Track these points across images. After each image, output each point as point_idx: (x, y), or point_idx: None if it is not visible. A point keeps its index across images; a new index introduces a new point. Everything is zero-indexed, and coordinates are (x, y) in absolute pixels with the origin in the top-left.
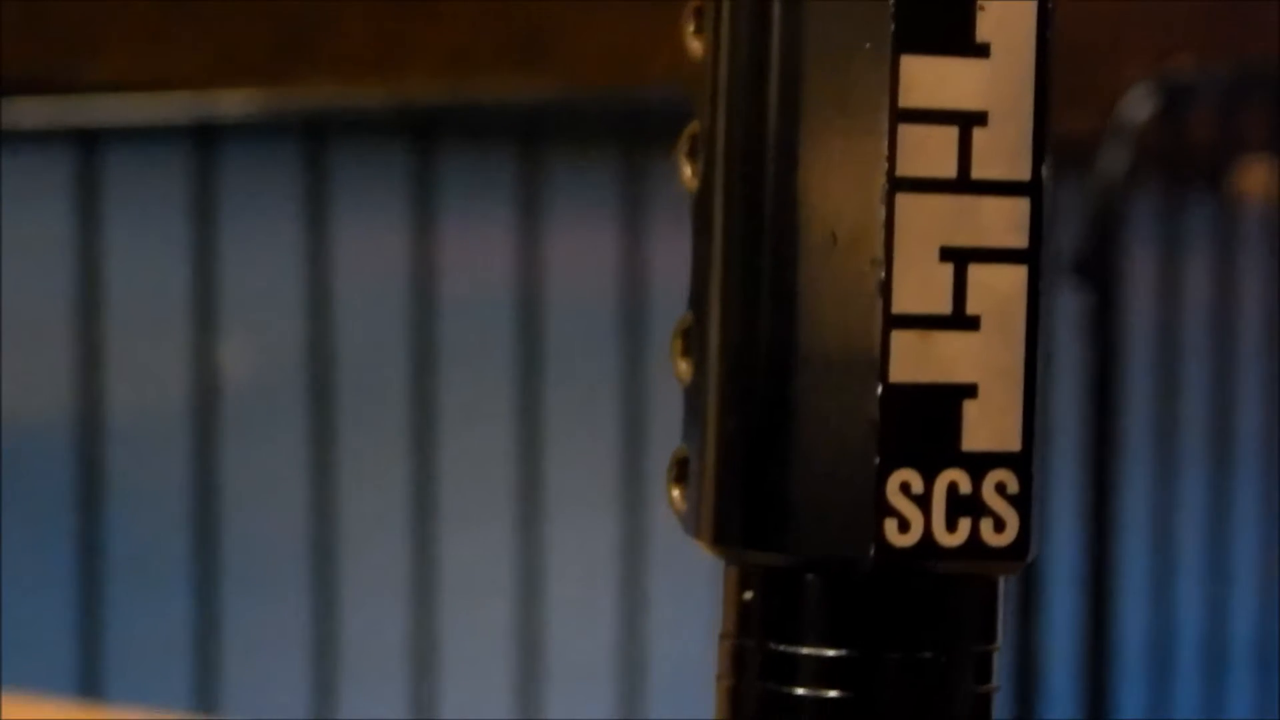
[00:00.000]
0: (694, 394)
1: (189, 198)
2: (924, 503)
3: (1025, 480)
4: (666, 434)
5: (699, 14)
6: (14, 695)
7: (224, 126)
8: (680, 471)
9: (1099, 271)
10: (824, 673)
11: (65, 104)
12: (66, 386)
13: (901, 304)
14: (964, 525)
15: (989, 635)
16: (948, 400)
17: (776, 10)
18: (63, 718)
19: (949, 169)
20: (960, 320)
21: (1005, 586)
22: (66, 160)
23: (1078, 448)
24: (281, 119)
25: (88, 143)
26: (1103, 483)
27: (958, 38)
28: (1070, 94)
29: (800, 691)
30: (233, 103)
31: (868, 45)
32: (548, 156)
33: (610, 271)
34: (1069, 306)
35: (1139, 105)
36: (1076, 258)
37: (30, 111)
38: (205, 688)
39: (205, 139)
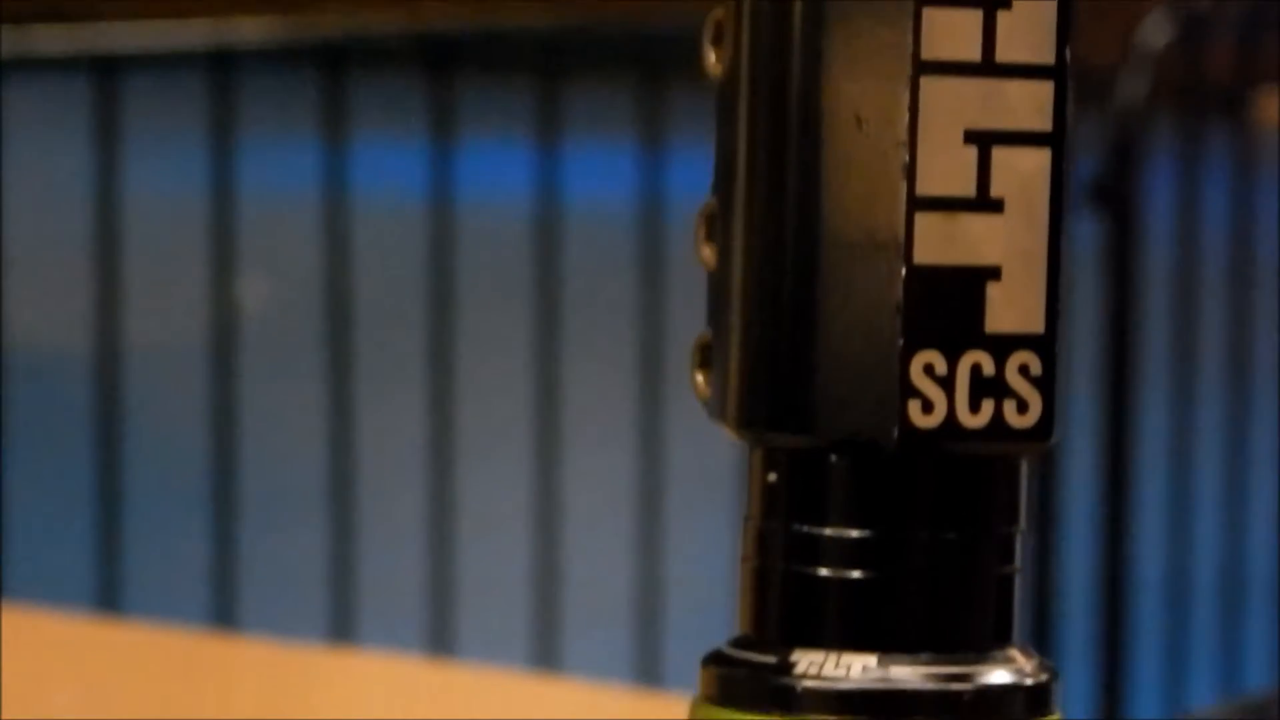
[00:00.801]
0: (718, 279)
1: (207, 126)
2: (947, 384)
3: (1048, 362)
4: (684, 364)
5: None
6: (31, 609)
7: (242, 54)
8: (704, 357)
9: (1117, 199)
10: (848, 553)
11: (82, 31)
12: (84, 317)
13: (926, 186)
14: (987, 407)
15: (1012, 517)
16: (971, 282)
17: None
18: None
19: (973, 52)
20: (984, 203)
21: (1028, 469)
22: (83, 88)
23: (1095, 377)
24: (300, 46)
25: (105, 70)
26: (1120, 413)
27: None
28: (1087, 20)
29: (824, 572)
30: (251, 30)
31: None
32: (566, 83)
33: (629, 201)
34: (1086, 234)
35: (1156, 32)
36: (1094, 185)
37: (47, 38)
38: (223, 610)
39: (223, 66)
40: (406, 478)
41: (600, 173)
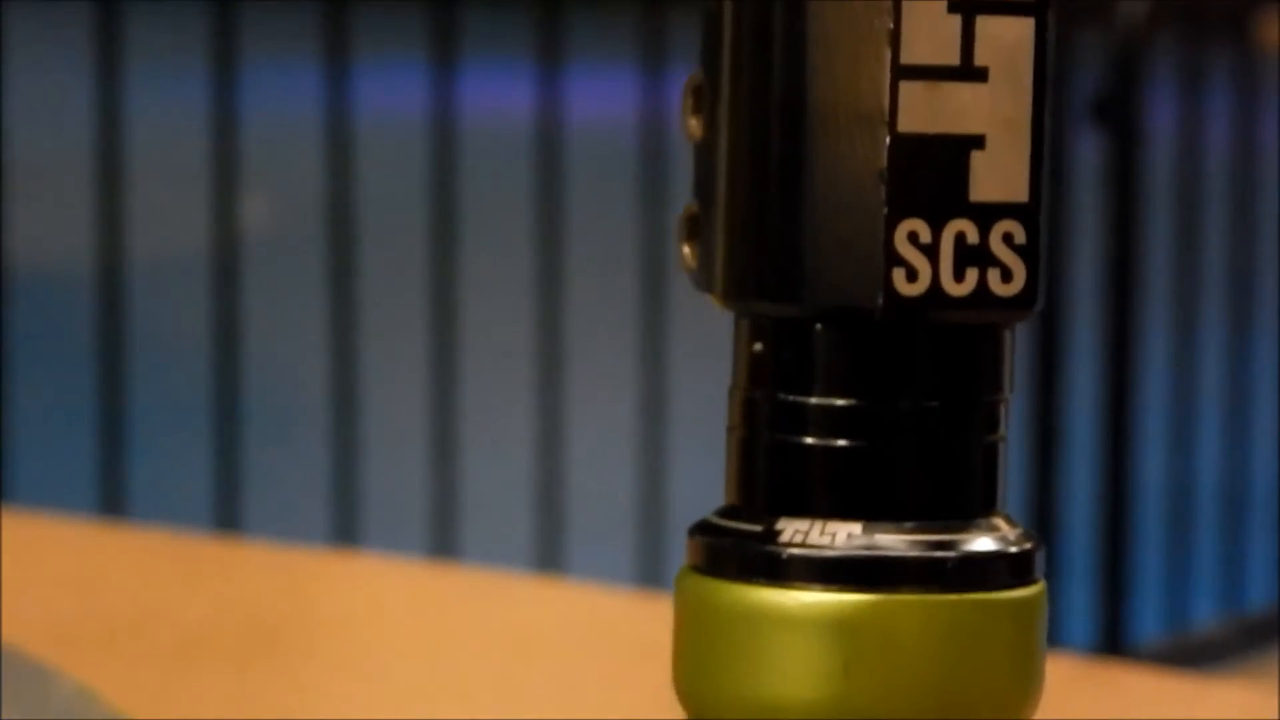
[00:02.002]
0: (704, 150)
1: (210, 45)
2: (932, 252)
3: (1032, 231)
4: (686, 288)
5: None
6: (34, 514)
7: None
8: (691, 228)
9: (1119, 116)
10: (833, 422)
11: None
12: (88, 234)
13: (910, 55)
14: (971, 275)
15: (997, 385)
16: (955, 151)
17: None
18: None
19: None
20: (968, 71)
21: (1013, 339)
22: (86, 7)
23: (1097, 293)
24: None
25: None
26: (1122, 329)
27: None
28: None
29: (810, 441)
30: None
31: None
32: (568, 3)
33: (630, 122)
34: (1089, 150)
35: None
36: (1097, 101)
37: None
38: (226, 518)
39: None
40: (410, 393)
41: (602, 93)
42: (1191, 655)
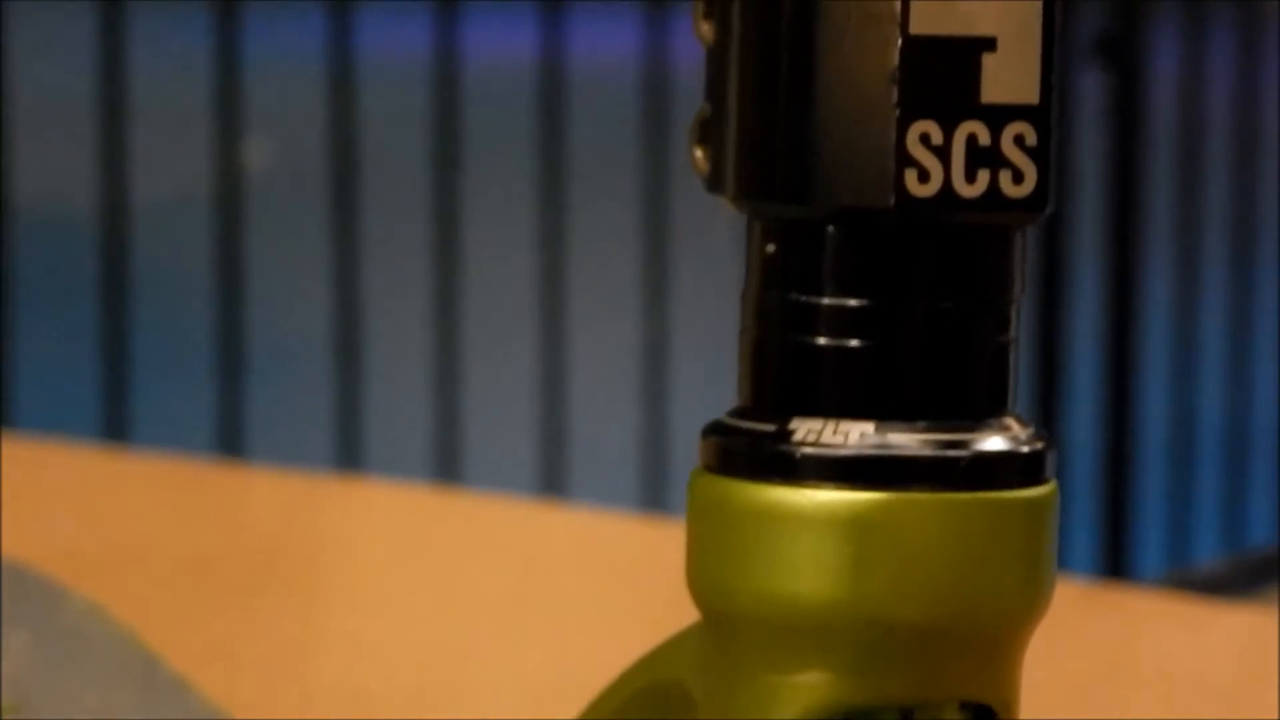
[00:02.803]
0: (716, 54)
1: None
2: (943, 154)
3: (1044, 133)
4: (689, 227)
5: None
6: (40, 441)
7: None
8: (703, 132)
9: (1122, 55)
10: (845, 322)
11: None
12: (91, 174)
13: None
14: (983, 176)
15: (1007, 287)
16: (967, 53)
17: None
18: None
19: None
20: None
21: (1023, 241)
22: None
23: (1100, 231)
24: None
25: None
26: (1125, 267)
27: None
28: None
29: (822, 341)
30: None
31: None
32: None
33: (634, 62)
34: (1092, 87)
35: None
36: (1100, 38)
37: None
38: (230, 446)
39: None
40: (413, 321)
41: (606, 33)
42: (1192, 592)
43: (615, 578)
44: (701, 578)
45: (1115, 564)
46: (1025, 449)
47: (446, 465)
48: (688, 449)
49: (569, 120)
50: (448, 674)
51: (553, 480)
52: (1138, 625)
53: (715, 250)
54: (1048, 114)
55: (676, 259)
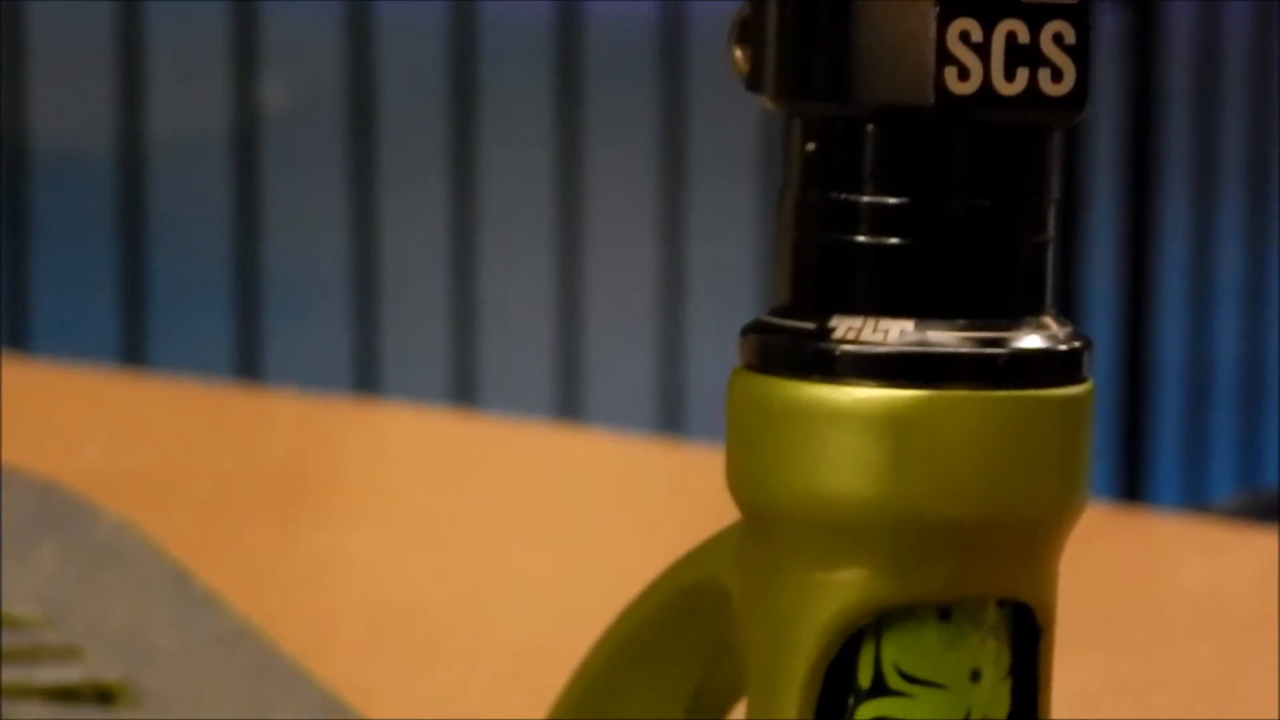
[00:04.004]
0: None
1: None
2: (983, 51)
3: (1083, 31)
4: (706, 162)
5: None
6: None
7: None
8: (743, 32)
9: None
10: (885, 220)
11: None
12: (108, 116)
13: None
14: (1022, 74)
15: (1045, 186)
16: None
17: None
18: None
19: None
20: None
21: (1062, 141)
22: None
23: (1116, 167)
24: None
25: None
26: (1141, 208)
27: None
28: None
29: (862, 239)
30: None
31: None
32: None
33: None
34: (1109, 23)
35: None
36: None
37: None
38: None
39: None
40: (430, 275)
41: None
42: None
43: (633, 500)
44: (740, 476)
45: (1130, 502)
46: (1063, 347)
47: (463, 392)
48: (703, 374)
49: (587, 50)
50: (470, 592)
51: (569, 406)
52: (1158, 548)
53: (732, 175)
54: (1087, 12)
55: (694, 183)
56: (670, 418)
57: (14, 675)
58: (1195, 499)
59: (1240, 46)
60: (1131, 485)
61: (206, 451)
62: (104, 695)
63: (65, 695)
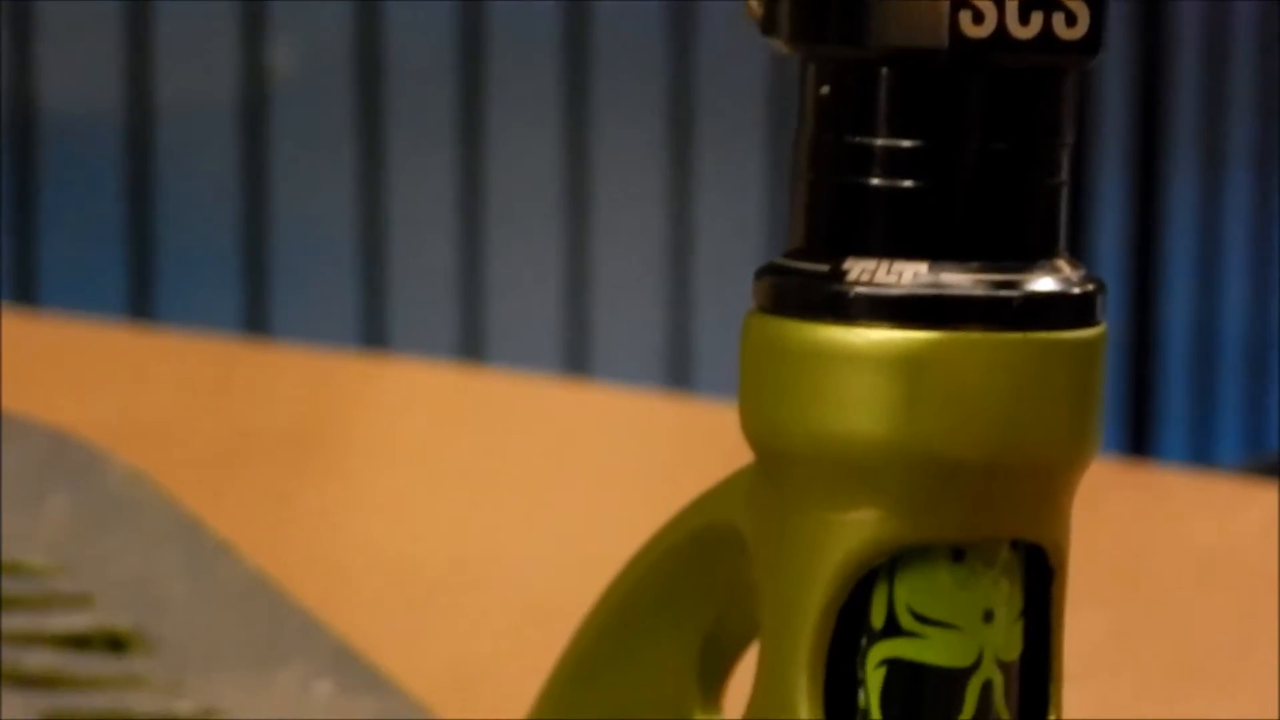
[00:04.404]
0: None
1: None
2: None
3: None
4: (713, 117)
5: None
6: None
7: None
8: None
9: None
10: (899, 163)
11: None
12: (116, 81)
13: None
14: (1037, 18)
15: (1059, 130)
16: None
17: None
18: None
19: None
20: None
21: (1075, 85)
22: None
23: (1124, 133)
24: None
25: None
26: (1150, 174)
27: None
28: None
29: (876, 182)
30: None
31: None
32: None
33: None
34: None
35: None
36: None
37: None
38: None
39: None
40: (437, 240)
41: None
42: None
43: (641, 453)
44: (754, 417)
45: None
46: (1077, 290)
47: (471, 349)
48: (710, 329)
49: (595, 11)
50: (479, 543)
51: (576, 362)
52: (1167, 503)
53: (739, 129)
54: None
55: (702, 138)
56: (678, 373)
57: (25, 623)
58: (1202, 461)
59: (1250, 11)
60: (1138, 448)
61: (215, 405)
62: (115, 643)
63: (76, 643)
